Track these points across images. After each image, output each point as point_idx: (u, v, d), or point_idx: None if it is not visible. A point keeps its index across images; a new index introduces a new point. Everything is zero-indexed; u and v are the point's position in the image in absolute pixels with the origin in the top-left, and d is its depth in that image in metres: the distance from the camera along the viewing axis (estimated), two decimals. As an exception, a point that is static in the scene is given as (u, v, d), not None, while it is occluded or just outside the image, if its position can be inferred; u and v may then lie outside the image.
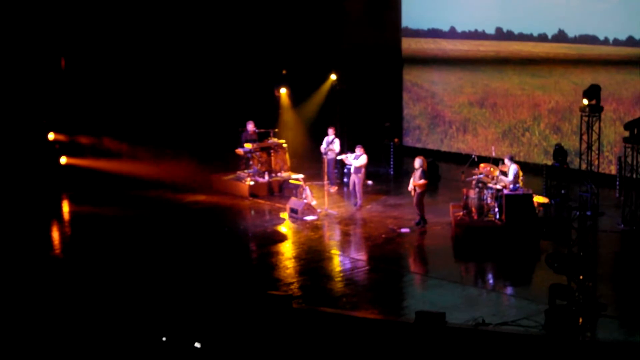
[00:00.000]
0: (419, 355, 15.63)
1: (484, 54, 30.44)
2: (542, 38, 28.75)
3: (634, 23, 26.32)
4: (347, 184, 26.48)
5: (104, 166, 27.80)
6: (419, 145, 31.94)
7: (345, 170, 27.12)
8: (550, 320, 16.21)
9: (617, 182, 25.13)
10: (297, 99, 30.60)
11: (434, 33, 31.75)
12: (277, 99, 30.09)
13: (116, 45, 28.94)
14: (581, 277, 16.75)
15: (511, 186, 22.43)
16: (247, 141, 26.83)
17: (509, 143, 29.45)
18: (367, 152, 24.82)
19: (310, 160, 28.66)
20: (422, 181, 22.83)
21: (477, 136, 30.61)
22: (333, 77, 29.68)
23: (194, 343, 15.90)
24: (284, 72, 30.23)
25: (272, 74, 30.41)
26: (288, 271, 20.06)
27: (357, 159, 24.72)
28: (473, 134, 30.77)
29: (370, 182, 27.39)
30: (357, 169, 24.75)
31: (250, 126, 27.16)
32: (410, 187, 23.08)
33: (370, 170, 26.95)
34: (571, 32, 28.01)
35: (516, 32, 29.44)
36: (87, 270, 20.07)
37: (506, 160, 23.04)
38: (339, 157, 26.07)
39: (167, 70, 29.77)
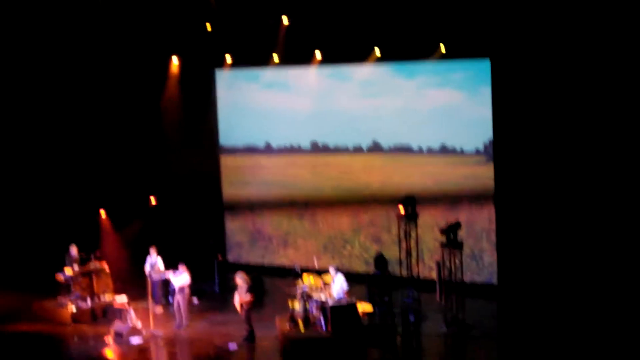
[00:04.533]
0: None
1: (300, 169, 30.91)
2: (358, 150, 29.42)
3: (445, 132, 27.39)
4: (174, 304, 26.32)
5: None
6: (241, 261, 31.92)
7: (170, 289, 26.88)
8: None
9: (437, 286, 25.75)
10: (118, 221, 30.34)
11: (250, 149, 31.95)
12: (98, 221, 29.75)
13: None
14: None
15: (335, 296, 22.73)
16: (69, 265, 26.42)
17: (330, 255, 29.77)
18: (191, 269, 24.73)
19: (134, 282, 28.24)
20: (249, 296, 22.89)
21: (298, 250, 30.85)
22: (153, 201, 29.77)
23: None
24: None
25: (93, 196, 30.11)
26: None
27: (177, 277, 24.63)
28: (294, 248, 31.03)
29: (195, 300, 27.19)
30: (180, 289, 24.63)
31: (74, 250, 26.81)
32: (237, 304, 23.05)
33: (195, 288, 26.77)
34: (385, 143, 28.83)
35: (331, 145, 29.99)
36: None
37: (331, 271, 23.39)
38: (164, 275, 25.84)
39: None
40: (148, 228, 30.46)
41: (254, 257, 31.96)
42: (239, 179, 32.34)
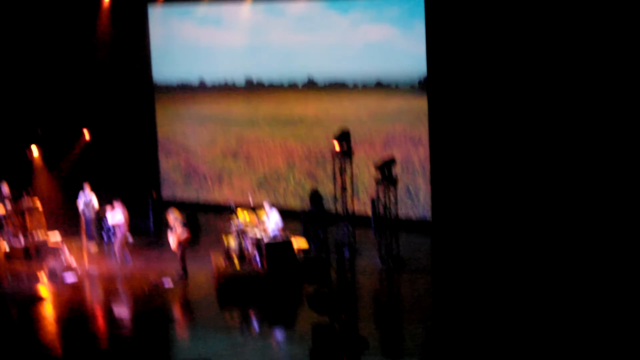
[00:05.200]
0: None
1: (234, 102, 30.75)
2: (292, 85, 29.31)
3: (380, 67, 27.36)
4: (108, 242, 26.33)
5: None
6: (176, 198, 31.82)
7: (104, 227, 26.79)
8: (316, 360, 16.52)
9: (372, 222, 25.92)
10: (50, 158, 30.02)
11: (184, 87, 31.73)
12: (29, 159, 29.41)
13: None
14: (343, 316, 17.16)
15: (270, 232, 22.78)
16: (1, 203, 26.13)
17: (265, 192, 29.68)
18: (126, 207, 24.63)
19: (67, 219, 28.01)
20: (186, 232, 22.83)
21: (233, 187, 30.80)
22: (86, 134, 29.46)
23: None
24: (38, 131, 29.50)
25: (23, 132, 29.70)
26: (51, 335, 19.55)
27: (113, 214, 24.56)
28: (229, 185, 30.93)
29: (130, 237, 27.01)
30: (116, 226, 24.56)
31: (4, 187, 26.52)
32: (174, 243, 22.96)
33: (130, 225, 26.69)
34: (320, 79, 28.77)
35: (266, 81, 29.88)
36: None
37: (266, 207, 23.40)
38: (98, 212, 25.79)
39: None
40: (81, 164, 30.20)
41: (189, 194, 31.88)
42: (173, 116, 32.12)
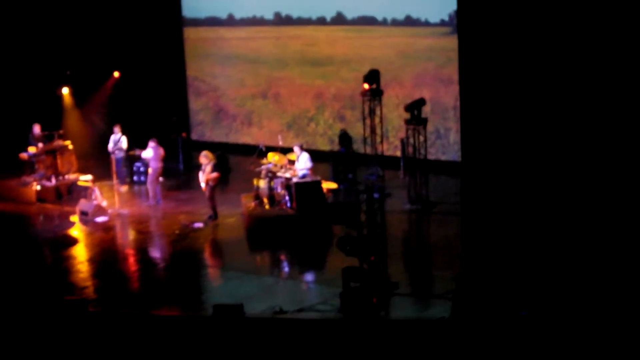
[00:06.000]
0: (219, 348, 15.71)
1: (263, 41, 30.61)
2: (321, 21, 29.11)
3: (409, 1, 27.08)
4: (139, 182, 26.71)
5: None
6: (205, 139, 31.89)
7: (135, 168, 26.93)
8: (345, 302, 16.60)
9: (402, 164, 25.87)
10: (80, 99, 30.10)
11: (212, 21, 31.60)
12: (60, 100, 29.51)
13: None
14: (372, 258, 17.21)
15: (299, 174, 22.79)
16: (33, 144, 26.31)
17: (294, 134, 29.67)
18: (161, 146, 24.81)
19: (98, 160, 28.16)
20: (215, 174, 22.86)
21: (262, 128, 30.74)
22: (116, 74, 29.52)
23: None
24: (68, 72, 29.58)
25: (53, 74, 29.75)
26: (82, 275, 19.72)
27: (145, 151, 24.71)
28: (258, 127, 30.89)
29: (160, 178, 27.15)
30: (147, 160, 24.82)
31: (37, 129, 26.71)
32: (203, 183, 23.03)
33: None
34: (349, 14, 28.53)
35: (295, 16, 29.67)
36: None
37: (295, 149, 23.38)
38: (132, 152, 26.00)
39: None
40: (111, 105, 30.30)
41: (218, 135, 31.92)
42: (202, 56, 32.06)
